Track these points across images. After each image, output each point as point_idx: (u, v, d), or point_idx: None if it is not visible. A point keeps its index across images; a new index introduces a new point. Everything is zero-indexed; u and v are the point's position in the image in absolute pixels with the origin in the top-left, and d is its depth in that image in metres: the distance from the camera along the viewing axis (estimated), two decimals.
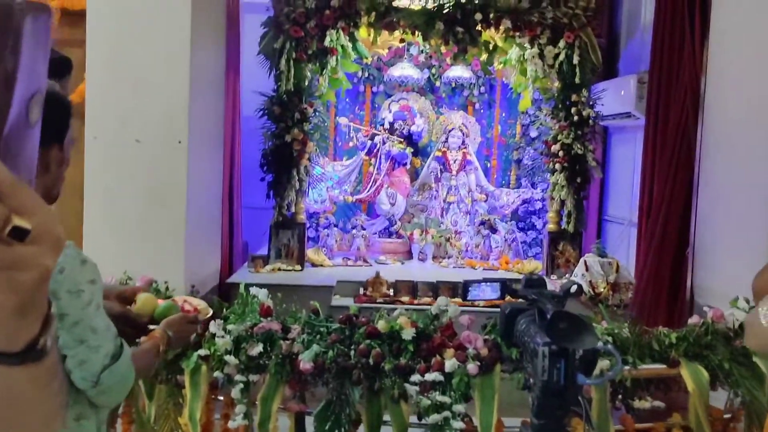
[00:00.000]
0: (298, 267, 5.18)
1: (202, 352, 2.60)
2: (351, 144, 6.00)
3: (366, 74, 6.07)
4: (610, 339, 2.69)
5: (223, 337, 2.62)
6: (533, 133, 5.99)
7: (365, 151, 5.91)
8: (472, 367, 2.44)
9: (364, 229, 5.71)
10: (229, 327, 2.63)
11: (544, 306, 1.93)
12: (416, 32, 4.89)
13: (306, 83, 5.09)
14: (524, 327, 1.97)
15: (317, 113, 5.23)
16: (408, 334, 2.50)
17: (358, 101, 6.18)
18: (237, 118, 5.16)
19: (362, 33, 5.13)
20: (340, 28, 5.00)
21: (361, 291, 4.84)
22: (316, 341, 2.57)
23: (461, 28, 4.81)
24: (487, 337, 2.57)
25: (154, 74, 3.08)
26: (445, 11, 4.80)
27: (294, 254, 5.24)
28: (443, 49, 5.15)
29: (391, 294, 4.82)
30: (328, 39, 5.00)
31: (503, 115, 6.26)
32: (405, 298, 4.79)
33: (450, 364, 2.43)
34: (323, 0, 4.93)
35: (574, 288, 2.11)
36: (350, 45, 5.17)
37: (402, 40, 5.26)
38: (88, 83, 3.10)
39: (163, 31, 3.06)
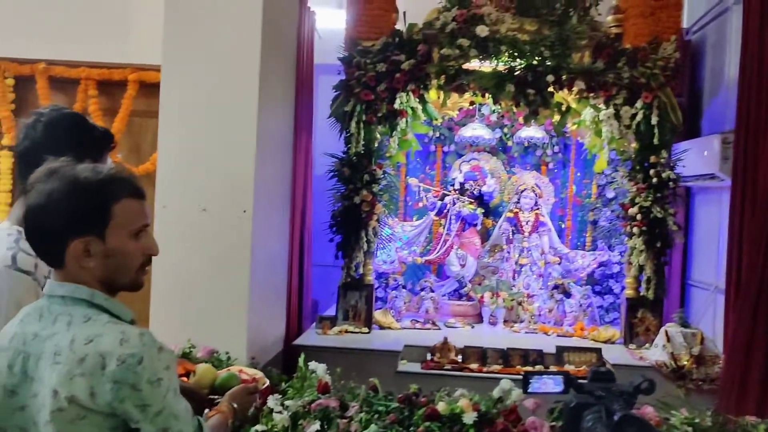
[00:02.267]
0: (366, 329, 5.12)
1: (260, 427, 2.55)
2: (421, 204, 5.95)
3: (437, 134, 6.05)
4: (690, 429, 2.50)
5: (280, 412, 2.56)
6: (610, 194, 5.81)
7: (435, 211, 5.85)
8: None
9: (433, 291, 5.61)
10: (287, 402, 2.57)
11: (612, 405, 1.80)
12: (486, 94, 4.84)
13: (375, 145, 5.09)
14: (591, 425, 1.83)
15: (386, 175, 5.22)
16: (469, 417, 2.39)
17: (428, 161, 6.15)
18: (309, 178, 5.21)
19: (432, 95, 5.12)
20: (410, 90, 5.00)
21: (429, 356, 4.72)
22: (374, 421, 2.49)
23: (532, 89, 4.73)
24: (554, 423, 2.43)
25: (221, 144, 3.13)
26: (516, 73, 4.74)
27: (361, 316, 5.18)
28: (515, 109, 5.07)
29: (460, 360, 4.68)
30: (398, 101, 5.00)
31: (578, 174, 6.10)
32: (473, 365, 4.64)
33: None
34: (394, 63, 4.96)
35: (645, 384, 1.96)
36: (420, 107, 5.17)
37: (472, 103, 5.22)
38: (159, 152, 3.17)
39: (231, 102, 3.12)
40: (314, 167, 5.33)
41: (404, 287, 5.70)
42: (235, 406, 1.87)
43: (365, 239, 5.10)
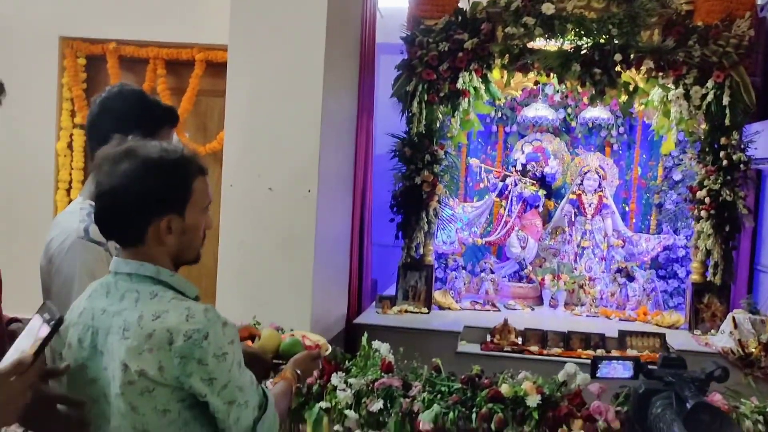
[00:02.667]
0: (425, 309, 5.13)
1: (324, 404, 2.59)
2: (482, 185, 5.90)
3: (499, 114, 5.98)
4: (761, 418, 2.44)
5: (344, 390, 2.59)
6: (677, 176, 5.66)
7: (496, 192, 5.80)
8: None
9: (493, 273, 5.58)
10: (351, 380, 2.61)
11: (683, 392, 1.77)
12: (551, 74, 4.75)
13: (437, 125, 5.07)
14: (660, 411, 1.81)
15: (447, 155, 5.19)
16: (533, 400, 2.38)
17: (490, 141, 6.09)
18: (369, 158, 5.22)
19: (495, 74, 5.05)
20: (473, 70, 4.95)
21: (488, 338, 4.71)
22: (437, 401, 2.50)
23: (599, 69, 4.63)
24: (619, 408, 2.40)
25: (287, 125, 3.16)
26: (582, 52, 4.64)
27: (421, 296, 5.19)
28: (580, 89, 4.97)
29: (520, 342, 4.66)
30: (460, 81, 4.96)
31: (644, 156, 5.96)
32: (534, 348, 4.61)
33: None
34: (456, 42, 4.91)
35: (718, 372, 1.92)
36: (483, 87, 5.11)
37: (536, 82, 5.14)
38: (226, 132, 3.22)
39: (297, 83, 3.14)
40: (375, 147, 5.34)
41: (464, 268, 5.68)
42: (299, 372, 1.90)
43: (426, 220, 5.10)
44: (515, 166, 5.81)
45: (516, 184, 5.74)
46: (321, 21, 3.12)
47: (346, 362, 2.69)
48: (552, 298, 5.54)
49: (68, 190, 4.26)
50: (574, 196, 5.79)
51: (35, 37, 4.12)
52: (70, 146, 4.26)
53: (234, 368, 1.54)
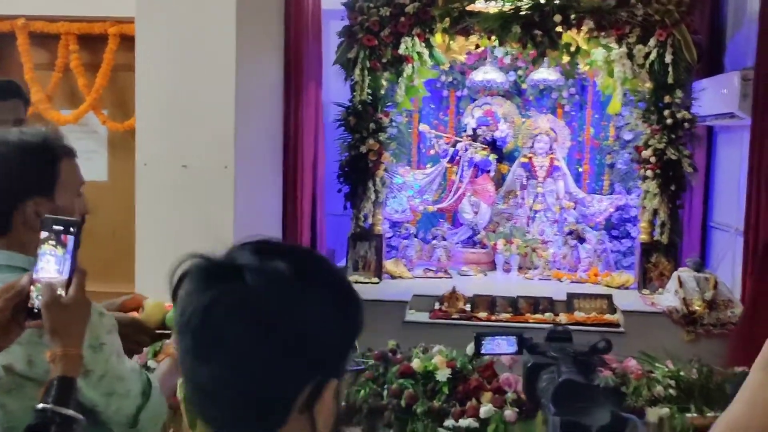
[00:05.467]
0: (376, 279, 5.11)
1: None
2: (432, 152, 5.85)
3: (450, 79, 5.91)
4: (672, 383, 2.44)
5: None
6: (627, 136, 5.63)
7: (447, 158, 5.75)
8: (509, 413, 2.27)
9: (445, 240, 5.56)
10: None
11: (560, 368, 1.75)
12: (492, 37, 4.68)
13: (382, 92, 5.00)
14: (544, 385, 1.79)
15: (394, 123, 5.13)
16: (443, 374, 2.37)
17: (442, 107, 6.03)
18: (320, 128, 5.15)
19: (438, 39, 4.97)
20: (415, 35, 4.87)
21: (437, 306, 4.70)
22: (348, 378, 2.48)
23: (539, 30, 4.56)
24: None
25: (199, 99, 3.08)
26: (521, 13, 4.57)
27: (371, 266, 5.17)
28: (518, 52, 4.91)
29: (468, 309, 4.66)
30: (402, 47, 4.88)
31: (596, 116, 5.92)
32: (482, 314, 4.62)
33: (486, 409, 2.28)
34: (398, 7, 4.82)
35: (602, 344, 1.91)
36: (426, 52, 5.03)
37: (477, 46, 5.06)
38: (137, 108, 3.15)
39: (208, 55, 3.06)
40: (327, 116, 5.27)
41: (416, 236, 5.66)
42: None
43: (373, 189, 5.05)
44: (466, 131, 5.75)
45: (467, 150, 5.70)
46: None
47: None
48: (506, 262, 5.54)
49: None
50: (525, 160, 5.75)
51: None
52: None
53: (112, 359, 1.50)
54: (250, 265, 0.91)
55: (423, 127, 5.80)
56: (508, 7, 4.62)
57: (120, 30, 3.55)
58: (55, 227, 1.37)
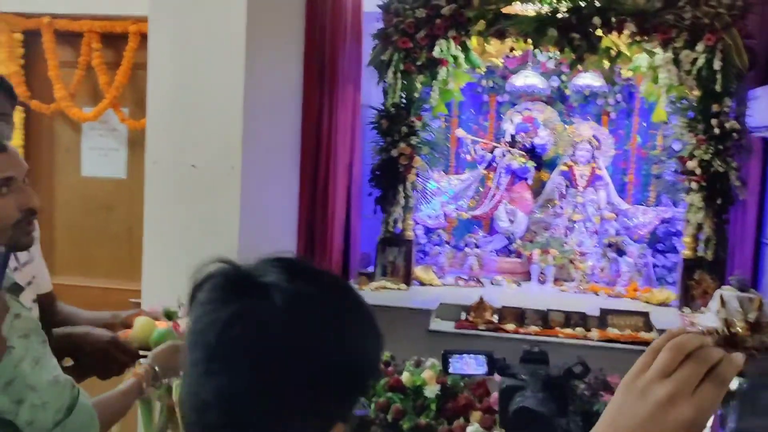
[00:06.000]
0: (404, 286, 5.00)
1: None
2: (469, 158, 5.71)
3: (490, 83, 5.76)
4: None
5: None
6: (676, 146, 5.37)
7: (484, 165, 5.60)
8: None
9: (479, 247, 5.41)
10: None
11: (525, 392, 1.63)
12: (527, 40, 4.52)
13: (416, 96, 4.90)
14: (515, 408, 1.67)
15: (428, 127, 5.02)
16: (431, 390, 2.25)
17: (482, 112, 5.88)
18: (357, 130, 5.09)
19: (474, 42, 4.85)
20: (450, 37, 4.75)
21: (463, 316, 4.57)
22: None
23: (577, 34, 4.38)
24: None
25: (208, 99, 3.05)
26: (558, 16, 4.40)
27: (400, 272, 5.06)
28: (560, 57, 4.74)
29: (496, 321, 4.51)
30: (437, 49, 4.76)
31: (643, 125, 5.68)
32: (510, 327, 4.46)
33: (472, 429, 2.15)
34: (434, 9, 4.71)
35: (578, 368, 1.78)
36: (462, 55, 4.91)
37: (512, 49, 4.91)
38: (148, 106, 3.14)
39: (217, 54, 3.02)
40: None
41: (447, 243, 5.53)
42: (156, 367, 1.79)
43: (403, 194, 4.95)
44: (504, 137, 5.60)
45: (504, 156, 5.54)
46: None
47: None
48: (541, 273, 5.35)
49: None
50: (565, 168, 5.56)
51: None
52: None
53: (24, 365, 1.43)
54: (280, 285, 0.86)
55: (460, 132, 5.66)
56: (545, 9, 4.45)
57: (140, 28, 3.56)
58: None
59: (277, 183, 3.62)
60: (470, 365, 1.75)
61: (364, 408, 2.49)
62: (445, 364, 1.77)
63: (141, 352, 1.94)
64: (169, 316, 2.17)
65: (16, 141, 4.18)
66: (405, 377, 2.33)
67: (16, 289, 1.61)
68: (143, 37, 3.48)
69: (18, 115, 4.20)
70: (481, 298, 4.58)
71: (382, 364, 2.45)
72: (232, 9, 2.95)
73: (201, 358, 0.86)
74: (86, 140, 4.38)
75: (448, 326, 4.53)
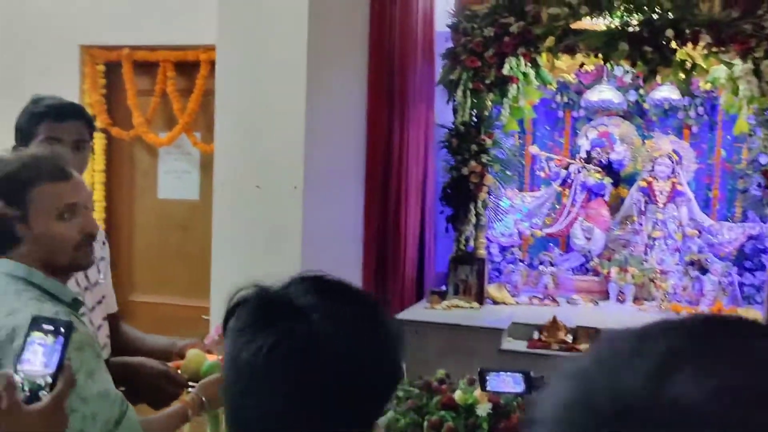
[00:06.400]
0: (476, 304, 4.97)
1: None
2: (543, 174, 5.64)
3: (565, 99, 5.69)
4: None
5: None
6: (763, 159, 5.15)
7: (559, 181, 5.52)
8: None
9: (554, 265, 5.32)
10: None
11: None
12: (598, 55, 4.45)
13: (486, 114, 4.90)
14: None
15: (499, 144, 5.01)
16: (483, 409, 2.23)
17: (557, 128, 5.80)
18: (430, 149, 5.13)
19: (543, 58, 4.81)
20: (520, 54, 4.73)
21: (536, 335, 4.50)
22: (393, 406, 2.40)
23: (650, 47, 4.28)
24: None
25: (271, 122, 3.16)
26: (629, 30, 4.31)
27: (472, 290, 5.04)
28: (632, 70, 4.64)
29: (570, 341, 4.42)
30: (506, 67, 4.75)
31: (728, 138, 5.46)
32: (584, 347, 4.35)
33: None
34: (502, 27, 4.71)
35: None
36: (533, 72, 4.87)
37: (582, 65, 4.83)
38: (216, 131, 3.28)
39: (279, 82, 3.13)
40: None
41: (521, 261, 5.46)
42: (203, 398, 1.87)
43: (474, 212, 4.94)
44: (579, 153, 5.50)
45: (579, 172, 5.44)
46: (303, 13, 3.08)
47: None
48: (620, 292, 5.21)
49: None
50: (644, 184, 5.40)
51: (58, 47, 4.36)
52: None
53: (78, 377, 1.52)
54: (315, 307, 0.92)
55: (533, 149, 5.60)
56: (615, 23, 4.38)
57: (210, 57, 3.73)
58: (45, 326, 1.30)
59: (340, 202, 3.70)
60: (507, 383, 1.74)
61: None
62: (483, 381, 1.77)
63: (191, 383, 2.02)
64: None
65: (98, 165, 4.45)
66: (458, 395, 2.32)
67: (76, 303, 1.72)
68: (213, 65, 3.66)
69: (100, 141, 4.46)
70: (555, 318, 4.50)
71: (437, 381, 2.46)
72: (294, 37, 3.06)
73: (242, 383, 0.92)
74: (162, 164, 4.60)
75: (520, 346, 4.48)
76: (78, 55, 4.36)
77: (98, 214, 4.52)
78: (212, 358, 2.07)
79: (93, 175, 4.46)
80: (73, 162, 2.08)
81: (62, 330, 1.29)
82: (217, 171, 3.26)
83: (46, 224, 1.64)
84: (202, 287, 3.57)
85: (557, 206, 5.65)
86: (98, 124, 4.42)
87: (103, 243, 2.22)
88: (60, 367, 1.27)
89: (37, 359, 1.27)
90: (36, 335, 1.28)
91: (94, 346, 1.63)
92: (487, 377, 1.69)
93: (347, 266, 3.89)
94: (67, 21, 4.29)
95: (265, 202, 3.12)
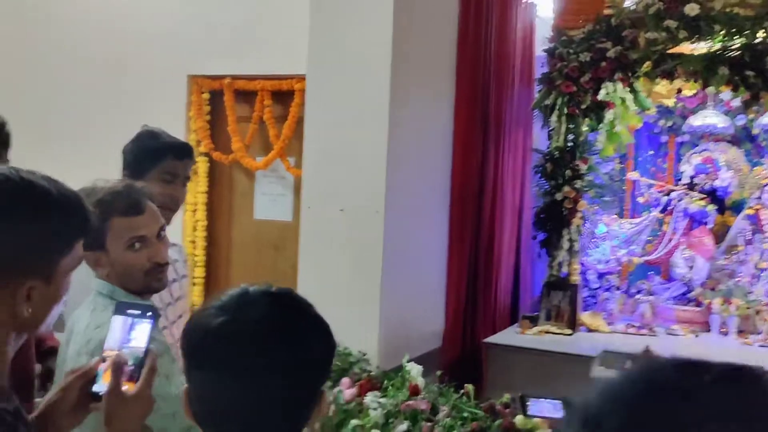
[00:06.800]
0: (568, 330, 4.90)
1: (356, 422, 2.67)
2: (643, 200, 5.51)
3: (669, 123, 5.55)
4: None
5: (376, 409, 2.65)
6: None
7: (659, 208, 5.38)
8: None
9: (652, 294, 5.17)
10: (382, 400, 2.66)
11: None
12: (697, 80, 4.34)
13: (581, 139, 4.86)
14: None
15: (593, 170, 4.96)
16: None
17: (660, 153, 5.67)
18: (528, 174, 5.15)
19: (643, 83, 4.73)
20: (617, 79, 4.68)
21: (628, 364, 4.39)
22: (458, 427, 2.46)
23: (752, 71, 4.14)
24: None
25: (356, 148, 3.29)
26: (729, 54, 4.18)
27: (565, 317, 4.98)
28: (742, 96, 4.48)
29: None
30: (603, 92, 4.71)
31: None
32: None
33: None
34: (599, 52, 4.68)
35: None
36: (631, 96, 4.80)
37: (680, 90, 4.71)
38: (304, 157, 3.45)
39: (363, 106, 3.26)
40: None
41: (617, 288, 5.34)
42: None
43: (568, 237, 4.90)
44: (681, 179, 5.35)
45: (681, 199, 5.28)
46: (386, 45, 3.21)
47: (384, 381, 2.75)
48: (723, 324, 5.00)
49: (194, 212, 4.81)
50: (751, 212, 5.18)
51: (168, 77, 4.71)
52: (195, 172, 4.79)
53: (158, 379, 1.69)
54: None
55: (633, 174, 5.49)
56: (715, 47, 4.26)
57: (303, 86, 3.93)
58: (129, 311, 1.44)
59: (422, 226, 3.78)
60: (547, 409, 1.78)
61: None
62: (524, 406, 1.81)
63: None
64: None
65: (201, 186, 4.76)
66: (518, 420, 2.35)
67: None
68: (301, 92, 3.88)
69: (203, 165, 4.78)
70: (647, 347, 4.37)
71: (502, 405, 2.49)
72: (377, 67, 3.20)
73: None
74: (259, 186, 4.86)
75: (610, 374, 4.38)
76: (186, 83, 4.71)
77: (200, 233, 4.86)
78: None
79: (196, 196, 4.77)
80: (180, 194, 2.34)
81: (148, 314, 1.44)
82: (304, 194, 3.44)
83: (118, 252, 1.84)
84: None
85: (657, 233, 5.50)
86: (202, 148, 4.75)
87: (185, 261, 2.42)
88: (147, 349, 1.41)
89: (125, 338, 1.42)
90: (120, 318, 1.44)
91: (170, 353, 1.80)
92: (528, 402, 1.73)
93: (428, 287, 3.97)
94: (177, 51, 4.65)
95: (348, 225, 3.26)
